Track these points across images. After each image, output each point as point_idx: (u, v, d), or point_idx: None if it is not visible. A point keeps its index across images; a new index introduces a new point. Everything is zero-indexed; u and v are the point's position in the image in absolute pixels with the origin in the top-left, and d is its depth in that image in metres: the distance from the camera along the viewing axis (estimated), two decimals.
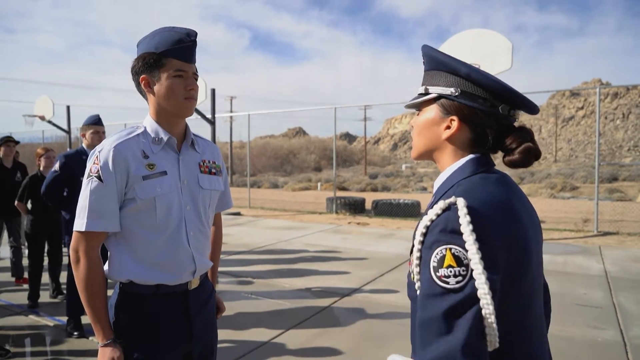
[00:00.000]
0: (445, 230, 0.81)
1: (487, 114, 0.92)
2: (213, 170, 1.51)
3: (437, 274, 0.80)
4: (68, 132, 13.67)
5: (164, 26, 1.39)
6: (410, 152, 1.07)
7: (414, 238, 0.95)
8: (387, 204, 11.44)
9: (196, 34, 1.37)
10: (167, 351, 1.38)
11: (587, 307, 4.14)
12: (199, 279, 1.45)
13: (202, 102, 9.05)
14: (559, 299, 4.35)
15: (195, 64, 1.40)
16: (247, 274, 5.45)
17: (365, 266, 5.79)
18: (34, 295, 4.29)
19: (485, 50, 7.00)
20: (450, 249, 0.79)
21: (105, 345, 1.31)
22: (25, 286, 4.70)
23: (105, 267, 1.40)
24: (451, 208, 0.82)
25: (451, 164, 0.96)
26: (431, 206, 0.92)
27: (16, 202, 4.49)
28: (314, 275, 5.37)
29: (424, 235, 0.84)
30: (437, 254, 0.80)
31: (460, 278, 0.78)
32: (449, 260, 0.79)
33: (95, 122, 3.65)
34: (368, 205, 12.19)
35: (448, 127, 0.95)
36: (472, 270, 0.78)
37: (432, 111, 0.97)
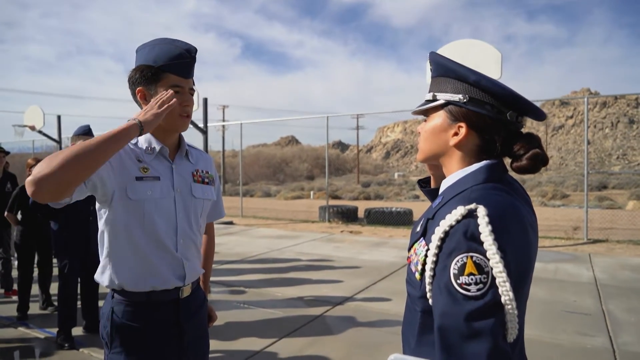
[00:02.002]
0: (465, 238, 0.80)
1: (495, 120, 0.93)
2: (206, 180, 1.53)
3: (458, 281, 0.79)
4: (59, 142, 13.59)
5: (164, 37, 1.39)
6: (413, 157, 1.09)
7: (415, 236, 0.95)
8: (379, 212, 11.47)
9: (196, 50, 1.38)
10: (161, 359, 1.39)
11: (577, 314, 4.18)
12: (190, 287, 1.46)
13: (195, 111, 9.06)
14: (549, 306, 4.39)
15: (193, 78, 1.42)
16: (239, 283, 5.43)
17: (358, 275, 5.80)
18: (23, 307, 4.25)
19: (475, 60, 7.09)
20: (472, 257, 0.79)
21: (140, 119, 1.24)
22: (15, 298, 4.65)
23: (98, 274, 1.41)
24: (472, 215, 0.81)
25: (459, 168, 0.96)
26: (439, 207, 0.92)
27: (6, 213, 4.45)
28: (307, 284, 5.37)
29: (442, 240, 0.83)
30: (458, 261, 0.80)
31: (481, 285, 0.78)
32: (470, 268, 0.79)
33: (86, 133, 3.65)
34: (361, 213, 12.21)
35: (456, 134, 0.95)
36: (492, 277, 0.78)
37: (440, 118, 0.98)
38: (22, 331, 3.93)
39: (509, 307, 0.78)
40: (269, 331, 3.79)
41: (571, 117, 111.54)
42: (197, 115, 9.30)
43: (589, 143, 9.38)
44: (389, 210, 11.62)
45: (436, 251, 0.84)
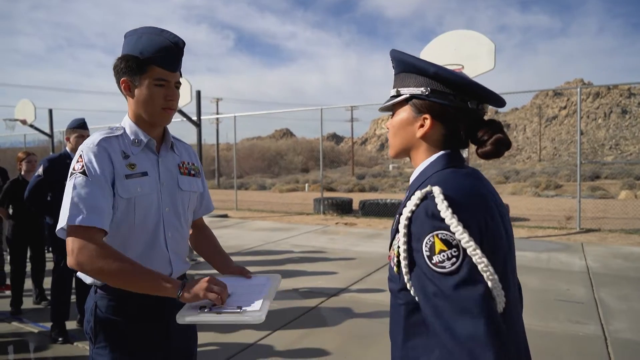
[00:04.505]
0: (427, 218, 0.84)
1: (458, 109, 0.96)
2: (192, 172, 1.52)
3: (432, 261, 0.82)
4: (50, 135, 13.48)
5: (153, 26, 1.35)
6: (389, 152, 1.11)
7: (392, 234, 0.97)
8: (374, 204, 11.50)
9: (184, 43, 1.34)
10: (145, 353, 1.37)
11: (569, 303, 4.22)
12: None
13: (188, 104, 8.99)
14: (541, 295, 4.43)
15: (180, 71, 1.38)
16: None
17: (353, 266, 5.82)
18: (16, 301, 4.23)
19: (469, 51, 7.09)
20: (437, 235, 0.82)
21: (182, 290, 1.18)
22: (8, 293, 4.62)
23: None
24: (428, 197, 0.86)
25: (425, 160, 1.00)
26: (406, 200, 0.94)
27: None
28: (301, 276, 5.38)
29: (408, 227, 0.87)
30: (427, 242, 0.83)
31: (454, 259, 0.80)
32: (439, 245, 0.82)
33: (80, 126, 3.62)
34: (355, 205, 12.23)
35: (422, 126, 0.99)
36: (463, 249, 0.80)
37: (406, 112, 1.02)
38: (16, 326, 3.92)
39: (488, 273, 0.80)
40: (263, 323, 3.79)
41: (564, 107, 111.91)
42: (190, 108, 9.25)
43: (582, 133, 9.43)
44: (383, 202, 11.64)
45: (405, 239, 0.87)
